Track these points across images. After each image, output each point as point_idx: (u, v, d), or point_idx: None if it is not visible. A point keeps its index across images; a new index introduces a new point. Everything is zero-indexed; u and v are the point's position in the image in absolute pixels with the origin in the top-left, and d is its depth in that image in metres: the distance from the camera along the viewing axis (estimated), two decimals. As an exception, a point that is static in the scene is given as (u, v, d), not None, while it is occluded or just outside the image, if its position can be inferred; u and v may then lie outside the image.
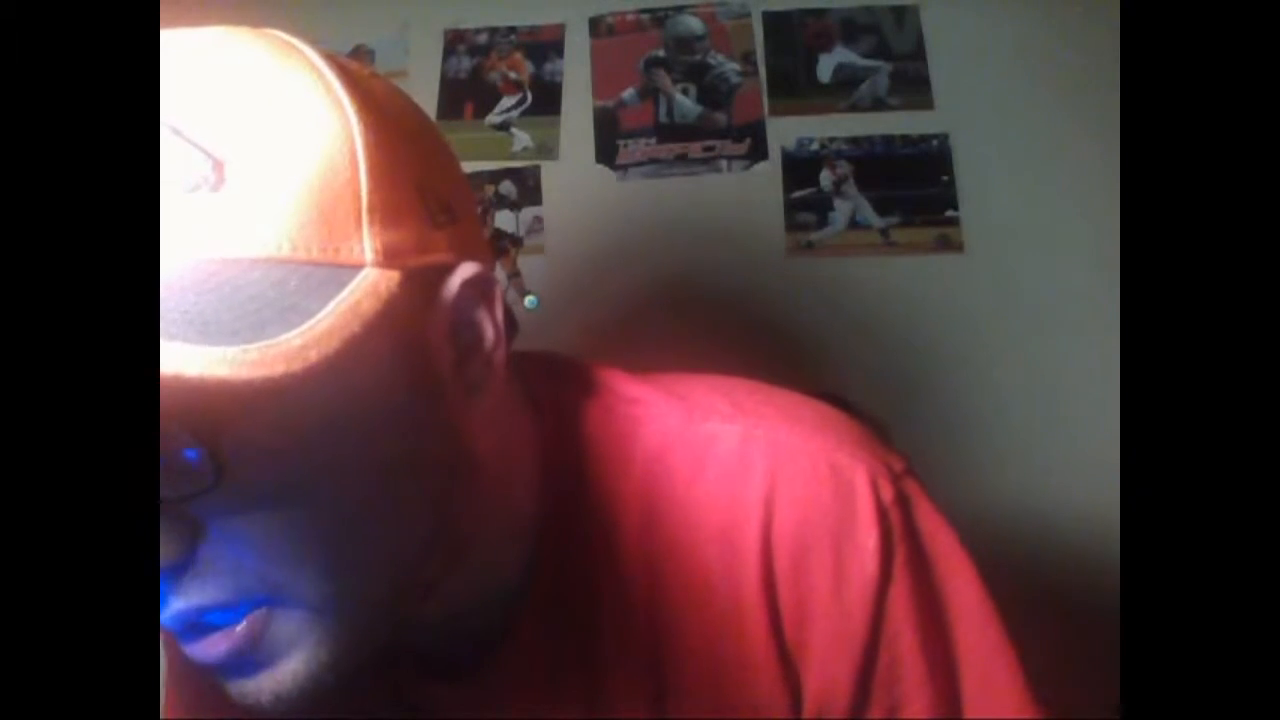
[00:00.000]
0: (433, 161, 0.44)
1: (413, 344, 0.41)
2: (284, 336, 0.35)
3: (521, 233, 1.15)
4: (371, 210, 0.39)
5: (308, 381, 0.35)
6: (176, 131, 0.37)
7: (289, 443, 0.38)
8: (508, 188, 1.16)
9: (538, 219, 1.15)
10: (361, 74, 0.44)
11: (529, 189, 1.15)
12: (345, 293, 0.37)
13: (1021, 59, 1.12)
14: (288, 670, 0.41)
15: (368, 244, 0.39)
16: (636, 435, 0.50)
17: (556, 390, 0.53)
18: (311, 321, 0.36)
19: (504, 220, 1.15)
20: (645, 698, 0.50)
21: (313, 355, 0.35)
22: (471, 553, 0.48)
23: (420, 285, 0.41)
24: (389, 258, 0.39)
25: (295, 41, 0.44)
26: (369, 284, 0.38)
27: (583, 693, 0.51)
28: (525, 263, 1.13)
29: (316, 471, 0.39)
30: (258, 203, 0.37)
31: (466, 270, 0.43)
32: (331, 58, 0.43)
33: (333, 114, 0.40)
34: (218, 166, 0.37)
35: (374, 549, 0.42)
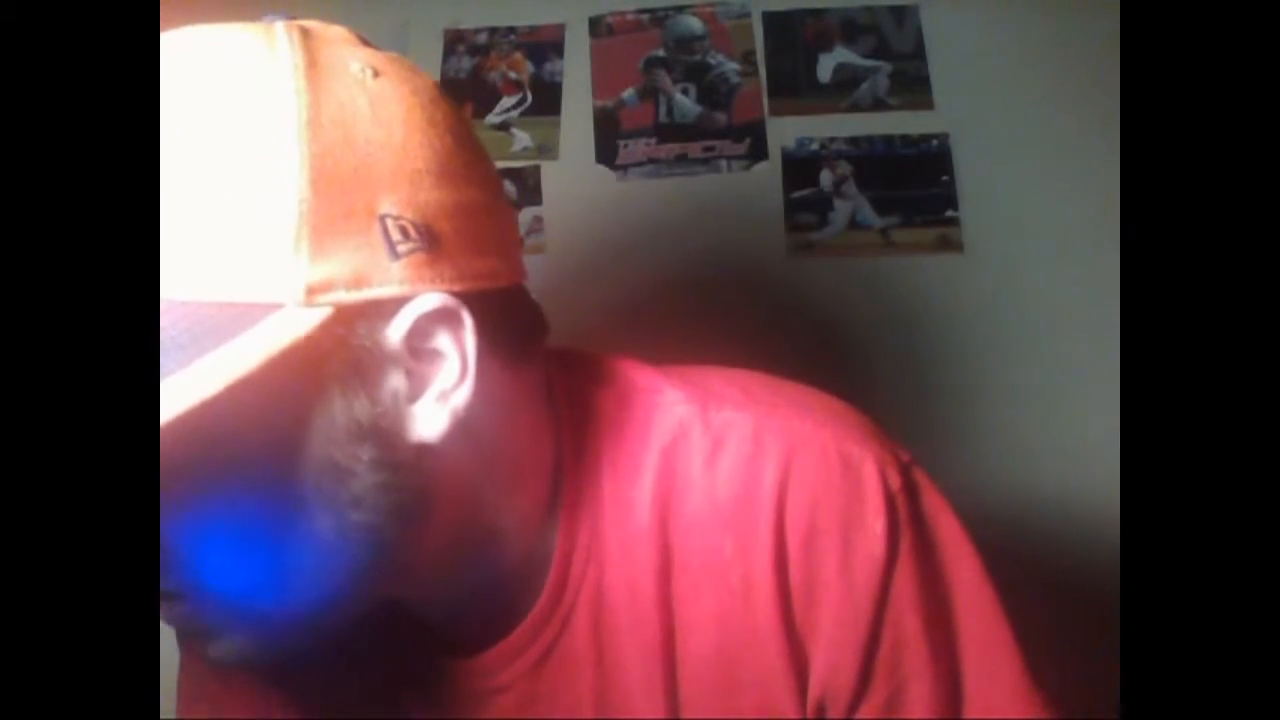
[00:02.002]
0: (413, 175, 0.43)
1: (344, 373, 0.42)
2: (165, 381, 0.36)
3: (521, 233, 1.15)
4: (299, 247, 0.39)
5: (196, 417, 0.37)
6: None
7: (190, 462, 0.39)
8: (508, 188, 1.16)
9: (538, 219, 1.15)
10: (350, 79, 0.43)
11: (529, 189, 1.15)
12: (239, 338, 0.38)
13: (1021, 59, 1.12)
14: (224, 644, 0.46)
15: (291, 282, 0.39)
16: (652, 422, 0.52)
17: (572, 381, 0.54)
18: (190, 366, 0.37)
19: (504, 220, 1.15)
20: (656, 674, 0.51)
21: (179, 402, 0.36)
22: (461, 550, 0.49)
23: (361, 317, 0.42)
24: (315, 294, 0.40)
25: (277, 39, 0.43)
26: (280, 323, 0.39)
27: (593, 669, 0.52)
28: (525, 263, 1.13)
29: (221, 490, 0.41)
30: (175, 243, 0.38)
31: (426, 304, 0.42)
32: (314, 61, 0.43)
33: (273, 137, 0.40)
34: None
35: (283, 564, 0.43)
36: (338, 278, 0.40)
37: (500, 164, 1.17)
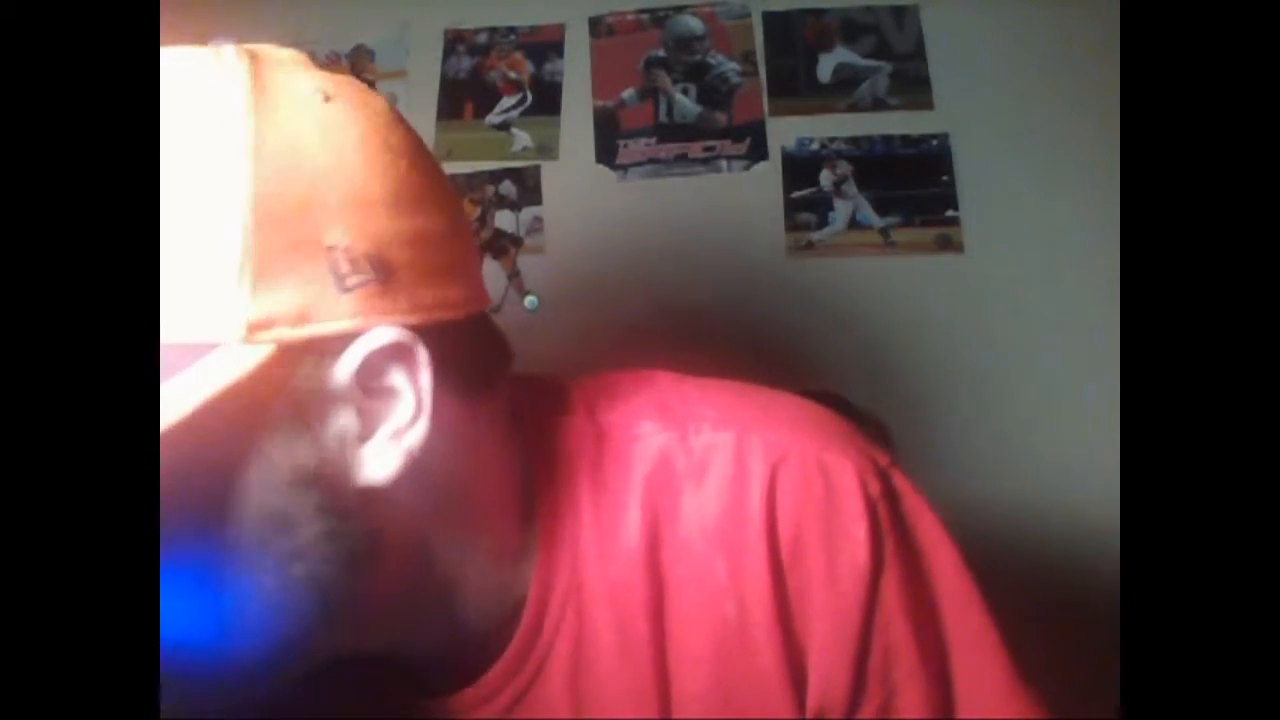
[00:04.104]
0: (365, 205, 0.41)
1: (288, 415, 0.40)
2: None
3: (521, 233, 1.15)
4: (242, 279, 0.37)
5: None
6: None
7: None
8: (508, 188, 1.16)
9: (538, 219, 1.15)
10: (300, 103, 0.41)
11: (529, 189, 1.15)
12: (173, 379, 0.36)
13: (1021, 59, 1.12)
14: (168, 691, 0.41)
15: (231, 319, 0.37)
16: (632, 456, 0.51)
17: (540, 415, 0.52)
18: None
19: (504, 220, 1.15)
20: (650, 714, 0.50)
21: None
22: (418, 600, 0.48)
23: (305, 355, 0.40)
24: (256, 331, 0.38)
25: (226, 64, 0.41)
26: (218, 363, 0.37)
27: (570, 714, 0.50)
28: (525, 263, 1.13)
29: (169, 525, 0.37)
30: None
31: (377, 338, 0.40)
32: (262, 86, 0.41)
33: (220, 172, 0.38)
34: None
35: (226, 613, 0.41)
36: (281, 314, 0.38)
37: (500, 164, 1.17)
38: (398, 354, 0.41)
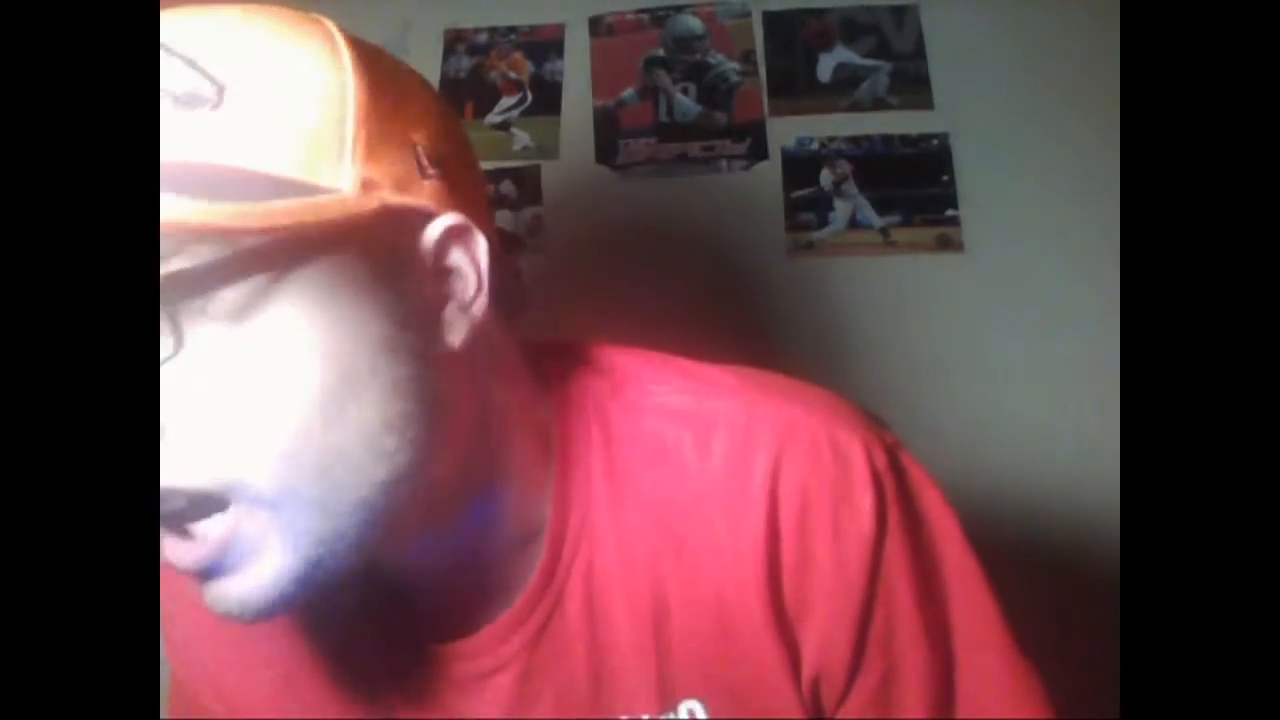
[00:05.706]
0: (431, 121, 0.48)
1: (387, 271, 0.45)
2: (245, 204, 0.39)
3: (521, 232, 1.15)
4: (355, 147, 0.44)
5: (273, 252, 0.41)
6: (187, 60, 0.42)
7: (257, 309, 0.41)
8: (507, 187, 1.16)
9: (537, 219, 1.15)
10: (369, 47, 0.49)
11: (529, 189, 1.15)
12: (309, 198, 0.41)
13: (1021, 59, 1.12)
14: (252, 575, 0.44)
15: (345, 174, 0.43)
16: (646, 409, 0.53)
17: (563, 367, 0.55)
18: (270, 203, 0.40)
19: (504, 220, 1.15)
20: (649, 651, 0.52)
21: (260, 221, 0.39)
22: (459, 502, 0.50)
23: (400, 223, 0.45)
24: (365, 189, 0.43)
25: (317, 19, 0.48)
26: (336, 199, 0.42)
27: (586, 646, 0.52)
28: (525, 262, 1.13)
29: (280, 346, 0.42)
30: (251, 124, 0.42)
31: (449, 220, 0.46)
32: (343, 31, 0.48)
33: (330, 62, 0.45)
34: (219, 90, 0.42)
35: (330, 450, 0.43)
36: (384, 180, 0.44)
37: (500, 164, 1.17)
38: (461, 234, 0.47)
